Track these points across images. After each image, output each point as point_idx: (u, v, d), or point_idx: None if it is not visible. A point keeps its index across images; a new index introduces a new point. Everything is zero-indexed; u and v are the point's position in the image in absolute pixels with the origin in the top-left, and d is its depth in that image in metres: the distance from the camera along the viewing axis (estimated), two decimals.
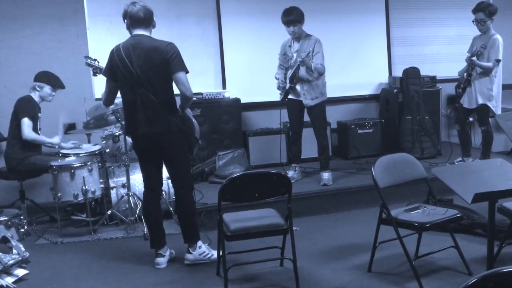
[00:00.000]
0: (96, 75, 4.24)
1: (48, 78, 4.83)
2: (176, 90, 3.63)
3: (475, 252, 3.75)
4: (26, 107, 4.69)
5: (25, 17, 5.48)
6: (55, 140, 4.80)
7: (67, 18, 5.61)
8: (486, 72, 5.19)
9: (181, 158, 3.76)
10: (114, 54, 3.62)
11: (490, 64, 5.15)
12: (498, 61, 5.16)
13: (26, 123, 4.65)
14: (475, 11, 5.21)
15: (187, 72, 3.60)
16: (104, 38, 5.59)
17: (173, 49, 3.56)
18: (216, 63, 6.11)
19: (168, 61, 3.53)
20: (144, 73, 3.54)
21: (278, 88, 5.13)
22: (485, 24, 5.18)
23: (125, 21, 3.66)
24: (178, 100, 3.70)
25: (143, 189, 4.84)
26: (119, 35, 5.57)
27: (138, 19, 3.59)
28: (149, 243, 3.89)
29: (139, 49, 3.56)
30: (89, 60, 4.20)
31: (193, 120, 3.86)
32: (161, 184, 3.94)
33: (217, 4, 6.04)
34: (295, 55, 4.99)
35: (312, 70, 4.88)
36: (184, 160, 3.80)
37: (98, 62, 4.20)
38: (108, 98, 3.75)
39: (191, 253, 3.83)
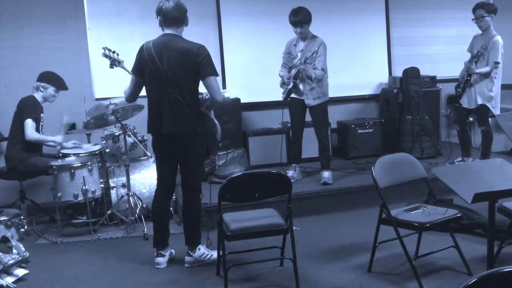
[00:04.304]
0: (113, 67, 4.15)
1: (52, 79, 4.82)
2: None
3: (475, 252, 3.75)
4: (29, 108, 4.69)
5: (25, 17, 5.48)
6: (58, 138, 4.78)
7: (67, 18, 5.61)
8: (486, 74, 5.20)
9: (198, 160, 3.76)
10: (144, 51, 3.59)
11: (488, 69, 5.15)
12: (496, 63, 5.16)
13: (29, 124, 4.64)
14: (474, 9, 5.24)
15: (217, 75, 3.60)
16: (104, 38, 5.58)
17: (205, 52, 3.56)
18: (216, 63, 5.99)
19: (199, 64, 3.52)
20: (173, 73, 3.53)
21: (281, 85, 5.13)
22: (484, 20, 5.17)
23: (158, 17, 3.62)
24: None
25: (143, 189, 4.89)
26: (119, 35, 5.64)
27: (171, 18, 3.57)
28: (153, 241, 3.87)
29: (170, 49, 3.54)
30: (106, 51, 4.13)
31: (216, 122, 3.82)
32: (174, 185, 3.92)
33: (217, 4, 6.04)
34: (299, 54, 4.99)
35: (312, 80, 4.89)
36: (200, 162, 3.81)
37: (117, 54, 4.15)
38: (132, 94, 3.75)
39: (191, 255, 3.82)
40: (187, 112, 3.58)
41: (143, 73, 3.63)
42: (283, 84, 5.12)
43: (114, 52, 4.15)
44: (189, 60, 3.52)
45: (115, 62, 4.13)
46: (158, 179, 3.87)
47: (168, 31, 3.62)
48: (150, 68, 3.57)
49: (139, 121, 4.80)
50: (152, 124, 3.72)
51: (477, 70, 5.16)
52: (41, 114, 4.79)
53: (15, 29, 5.48)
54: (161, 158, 3.82)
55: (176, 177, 3.87)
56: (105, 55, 4.14)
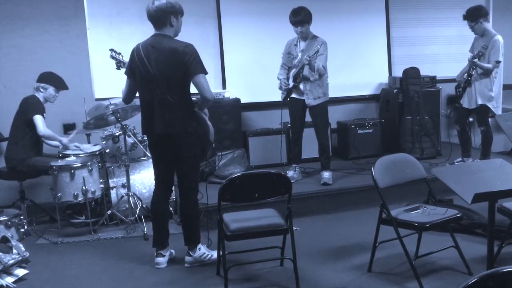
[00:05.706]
0: (120, 69, 4.19)
1: (52, 79, 4.82)
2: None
3: (475, 252, 3.75)
4: (34, 106, 4.69)
5: (25, 17, 5.47)
6: (64, 140, 4.82)
7: (67, 18, 5.60)
8: (486, 73, 5.20)
9: (193, 160, 3.75)
10: (134, 53, 3.62)
11: (490, 66, 5.16)
12: (497, 62, 5.17)
13: (40, 119, 4.65)
14: (463, 19, 5.27)
15: (206, 73, 3.59)
16: (104, 38, 5.59)
17: (192, 50, 3.54)
18: (216, 63, 6.10)
19: (186, 63, 3.51)
20: (162, 73, 3.54)
21: (280, 88, 5.14)
22: (474, 28, 5.25)
23: None
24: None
25: (143, 190, 4.89)
26: (119, 35, 5.64)
27: (152, 19, 3.60)
28: (152, 241, 3.87)
29: (157, 49, 3.55)
30: (113, 53, 4.16)
31: (209, 122, 3.81)
32: (172, 184, 3.92)
33: (217, 4, 6.04)
34: (300, 54, 4.99)
35: (314, 71, 4.88)
36: (195, 162, 3.79)
37: (122, 56, 4.18)
38: (127, 96, 3.79)
39: (191, 255, 3.82)
40: (177, 112, 3.58)
41: (134, 75, 3.64)
42: (280, 88, 5.13)
43: (119, 53, 4.18)
44: (176, 59, 3.52)
45: (121, 64, 4.16)
46: (156, 179, 3.88)
47: (157, 31, 3.64)
48: (140, 69, 3.58)
49: (139, 121, 4.76)
50: (145, 125, 3.74)
51: (481, 64, 5.15)
52: (44, 114, 4.79)
53: (15, 29, 5.47)
54: (157, 158, 3.83)
55: (173, 177, 3.88)
56: (112, 57, 4.17)
